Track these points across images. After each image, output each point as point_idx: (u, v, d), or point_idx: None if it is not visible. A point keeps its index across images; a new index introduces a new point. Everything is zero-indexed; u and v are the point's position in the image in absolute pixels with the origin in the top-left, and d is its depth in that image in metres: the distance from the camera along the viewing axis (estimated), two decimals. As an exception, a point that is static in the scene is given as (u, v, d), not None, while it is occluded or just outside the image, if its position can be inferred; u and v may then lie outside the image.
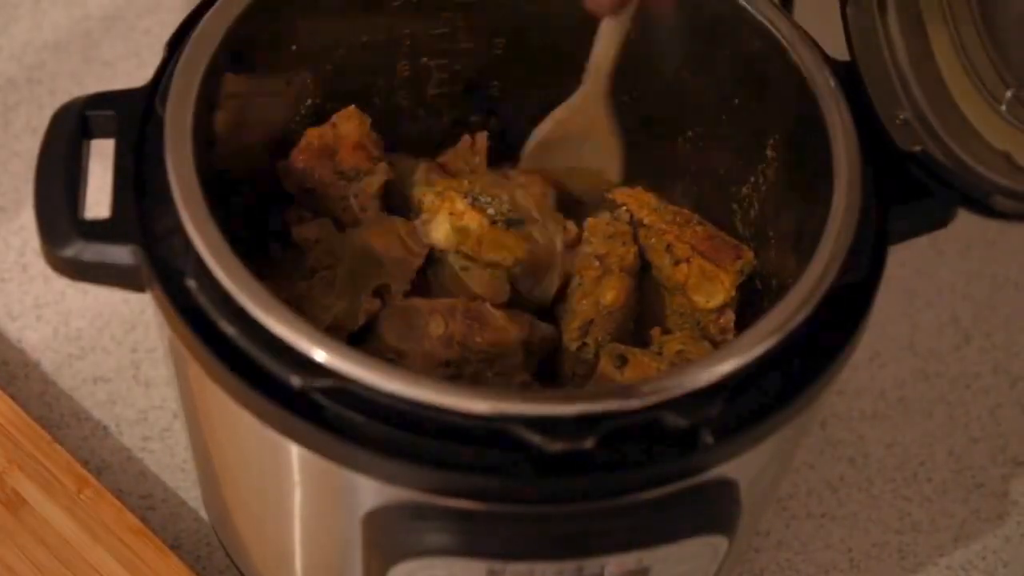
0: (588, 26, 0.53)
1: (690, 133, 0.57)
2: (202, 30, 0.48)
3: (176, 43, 0.48)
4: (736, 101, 0.53)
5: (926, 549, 0.62)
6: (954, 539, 0.63)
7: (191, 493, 0.60)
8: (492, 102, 0.60)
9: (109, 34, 0.76)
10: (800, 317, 0.42)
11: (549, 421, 0.39)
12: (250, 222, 0.54)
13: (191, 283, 0.42)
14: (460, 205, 0.54)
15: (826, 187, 0.46)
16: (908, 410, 0.67)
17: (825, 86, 0.48)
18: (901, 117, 0.48)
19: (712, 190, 0.57)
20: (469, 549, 0.41)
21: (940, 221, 0.48)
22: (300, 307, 0.51)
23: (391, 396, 0.39)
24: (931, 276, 0.71)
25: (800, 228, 0.49)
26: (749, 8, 0.50)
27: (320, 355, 0.40)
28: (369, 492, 0.42)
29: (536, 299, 0.55)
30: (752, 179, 0.54)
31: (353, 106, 0.55)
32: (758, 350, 0.41)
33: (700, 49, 0.54)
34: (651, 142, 0.58)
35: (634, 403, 0.40)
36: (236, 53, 0.49)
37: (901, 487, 0.64)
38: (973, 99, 0.46)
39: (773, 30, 0.50)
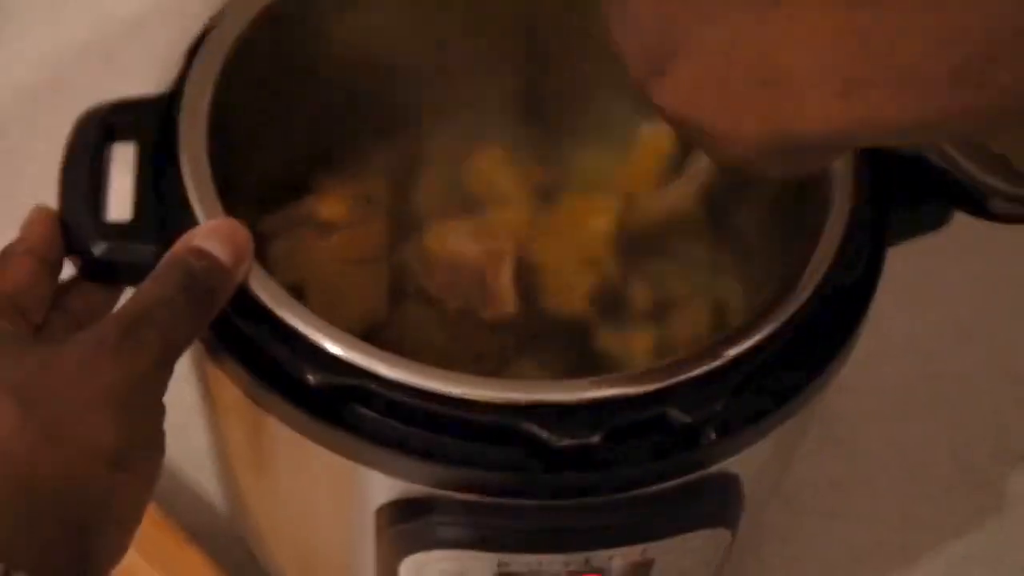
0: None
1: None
2: (216, 37, 0.48)
3: (195, 51, 0.48)
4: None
5: (928, 545, 0.62)
6: (955, 535, 0.63)
7: (209, 486, 0.61)
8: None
9: (130, 41, 0.76)
10: (801, 316, 0.42)
11: (557, 417, 0.40)
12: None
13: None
14: None
15: (825, 188, 0.46)
16: (909, 408, 0.67)
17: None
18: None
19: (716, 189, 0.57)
20: (479, 542, 0.41)
21: (937, 223, 0.49)
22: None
23: (404, 393, 0.40)
24: (931, 276, 0.71)
25: (800, 228, 0.48)
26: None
27: (336, 352, 0.40)
28: (382, 487, 0.42)
29: None
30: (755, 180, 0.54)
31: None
32: (761, 348, 0.41)
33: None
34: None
35: (639, 400, 0.40)
36: (251, 59, 0.49)
37: (902, 484, 0.64)
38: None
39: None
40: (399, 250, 0.55)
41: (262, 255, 0.52)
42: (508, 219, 0.55)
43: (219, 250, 0.41)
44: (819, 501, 0.63)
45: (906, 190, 0.47)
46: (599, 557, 0.42)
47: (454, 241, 0.54)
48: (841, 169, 0.46)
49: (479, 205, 0.57)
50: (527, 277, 0.53)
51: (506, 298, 0.52)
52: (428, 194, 0.58)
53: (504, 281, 0.52)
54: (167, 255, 0.41)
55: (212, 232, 0.41)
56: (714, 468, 0.42)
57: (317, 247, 0.54)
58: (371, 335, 0.52)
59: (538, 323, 0.53)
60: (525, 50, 0.58)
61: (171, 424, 0.40)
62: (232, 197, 0.44)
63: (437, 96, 0.58)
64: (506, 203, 0.57)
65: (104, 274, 0.44)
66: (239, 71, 0.48)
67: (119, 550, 0.37)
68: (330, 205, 0.55)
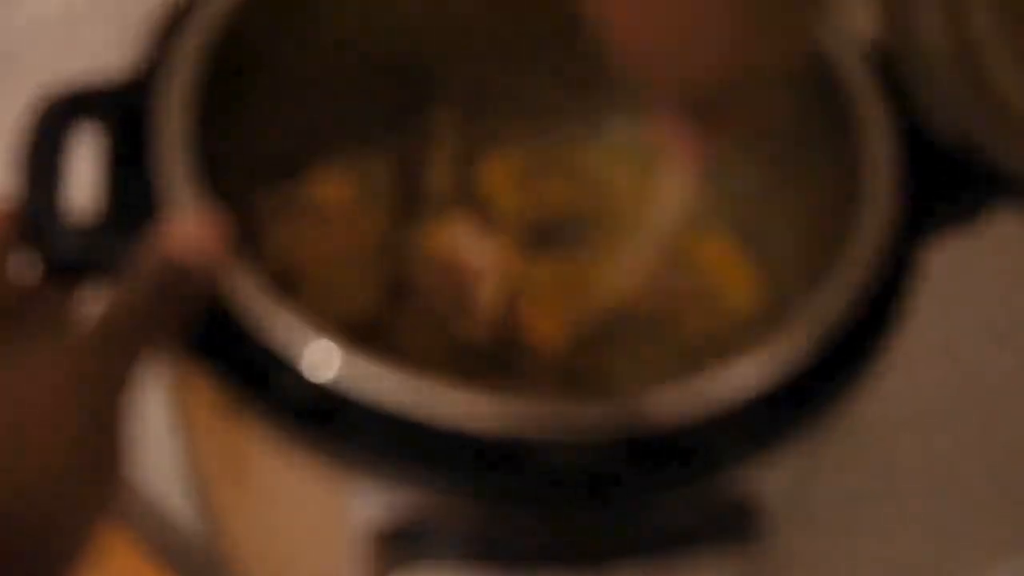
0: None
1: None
2: (199, 14, 0.47)
3: (169, 29, 0.47)
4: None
5: (961, 566, 0.61)
6: (991, 555, 0.62)
7: (183, 507, 0.59)
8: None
9: (94, 17, 0.76)
10: (827, 324, 0.42)
11: (562, 437, 0.39)
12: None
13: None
14: None
15: (858, 183, 0.45)
16: (942, 419, 0.66)
17: (858, 76, 0.47)
18: (939, 109, 0.46)
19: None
20: (473, 562, 0.40)
21: (978, 218, 0.47)
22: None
23: (397, 407, 0.39)
24: (967, 277, 0.70)
25: (832, 228, 0.47)
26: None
27: (323, 364, 0.39)
28: (373, 503, 0.41)
29: None
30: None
31: None
32: (782, 361, 0.41)
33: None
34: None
35: (652, 420, 0.39)
36: (239, 39, 0.47)
37: (935, 500, 0.63)
38: (1019, 91, 0.45)
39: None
40: (400, 242, 0.54)
41: (255, 239, 0.50)
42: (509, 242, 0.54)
43: (196, 248, 0.39)
44: (843, 518, 0.62)
45: (945, 183, 0.47)
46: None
47: (452, 240, 0.53)
48: (876, 161, 0.45)
49: (484, 206, 0.57)
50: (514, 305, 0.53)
51: (482, 314, 0.50)
52: (435, 188, 0.57)
53: (487, 294, 0.50)
54: (138, 253, 0.40)
55: (189, 228, 0.40)
56: (732, 490, 0.41)
57: (315, 235, 0.53)
58: (370, 330, 0.51)
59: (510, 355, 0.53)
60: (560, 41, 0.56)
61: (139, 440, 0.40)
62: (218, 178, 0.43)
63: (454, 84, 0.57)
64: (507, 215, 0.56)
65: (67, 273, 0.43)
66: (227, 48, 0.47)
67: (75, 559, 0.37)
68: (330, 191, 0.54)
